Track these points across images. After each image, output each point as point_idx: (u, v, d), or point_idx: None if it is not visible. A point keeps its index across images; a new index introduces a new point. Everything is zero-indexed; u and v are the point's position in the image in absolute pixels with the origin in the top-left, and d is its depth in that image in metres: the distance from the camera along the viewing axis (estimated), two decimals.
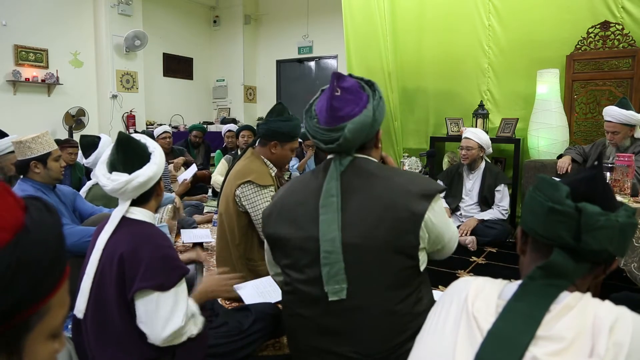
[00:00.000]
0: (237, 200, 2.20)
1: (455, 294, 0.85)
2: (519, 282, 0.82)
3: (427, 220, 1.23)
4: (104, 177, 1.41)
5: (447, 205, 3.71)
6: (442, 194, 1.24)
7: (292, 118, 2.28)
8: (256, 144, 2.36)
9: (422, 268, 1.29)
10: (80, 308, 1.36)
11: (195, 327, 1.45)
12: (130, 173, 1.38)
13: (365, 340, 1.26)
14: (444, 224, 1.29)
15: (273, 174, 2.30)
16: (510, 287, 0.82)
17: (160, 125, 6.96)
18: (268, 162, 2.29)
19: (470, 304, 0.80)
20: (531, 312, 0.75)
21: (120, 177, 1.37)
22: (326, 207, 1.25)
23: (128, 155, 1.41)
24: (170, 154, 4.90)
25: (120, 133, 1.45)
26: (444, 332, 0.81)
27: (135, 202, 1.44)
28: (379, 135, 1.37)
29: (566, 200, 0.79)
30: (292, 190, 1.41)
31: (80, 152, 3.62)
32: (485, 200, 3.61)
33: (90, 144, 3.25)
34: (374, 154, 1.37)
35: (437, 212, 1.26)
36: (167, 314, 1.33)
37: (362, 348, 1.26)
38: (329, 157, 1.37)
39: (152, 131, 5.34)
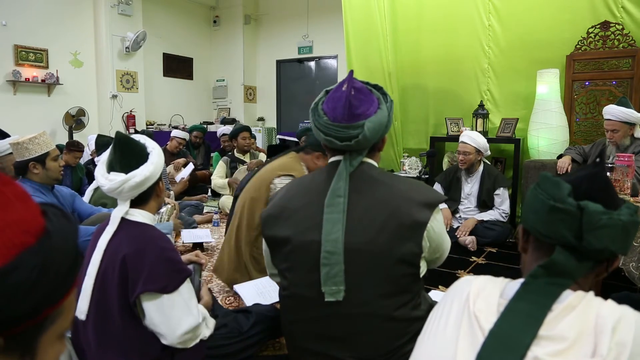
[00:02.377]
0: (273, 187, 2.26)
1: (456, 294, 0.84)
2: (521, 280, 0.81)
3: (429, 229, 1.24)
4: (102, 177, 1.40)
5: (446, 206, 3.66)
6: (444, 205, 1.27)
7: None
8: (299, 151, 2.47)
9: (421, 275, 1.29)
10: (82, 309, 1.35)
11: (207, 330, 1.45)
12: (127, 173, 1.37)
13: (363, 345, 1.25)
14: (443, 234, 1.31)
15: None
16: (512, 286, 0.81)
17: (177, 128, 7.03)
18: (305, 170, 2.39)
19: (472, 304, 0.80)
20: (533, 311, 0.75)
21: (117, 177, 1.37)
22: (332, 206, 1.24)
23: (125, 154, 1.40)
24: (176, 156, 5.08)
25: (118, 133, 1.43)
26: (446, 332, 0.80)
27: (135, 203, 1.43)
28: (384, 139, 1.37)
29: (568, 199, 0.78)
30: (294, 192, 1.40)
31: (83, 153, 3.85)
32: (485, 204, 3.58)
33: (104, 144, 3.32)
34: (376, 158, 1.38)
35: (438, 221, 1.27)
36: (180, 312, 1.33)
37: (360, 352, 1.25)
38: (332, 159, 1.36)
39: (171, 130, 5.47)
